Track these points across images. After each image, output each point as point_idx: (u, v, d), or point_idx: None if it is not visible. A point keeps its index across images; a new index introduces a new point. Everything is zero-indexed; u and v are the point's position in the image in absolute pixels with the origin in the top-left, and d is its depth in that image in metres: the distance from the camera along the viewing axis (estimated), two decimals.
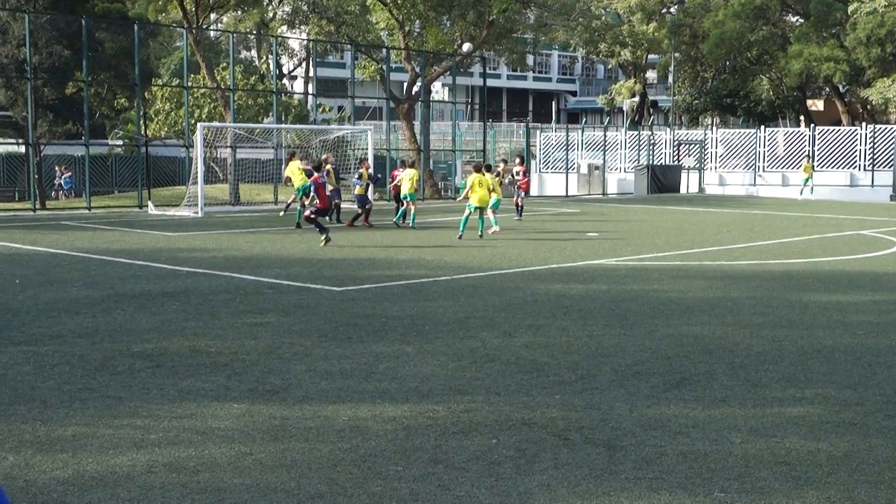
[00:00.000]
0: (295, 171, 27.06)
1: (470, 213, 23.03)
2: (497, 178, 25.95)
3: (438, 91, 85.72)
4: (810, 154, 48.19)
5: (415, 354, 10.06)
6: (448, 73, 50.22)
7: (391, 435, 7.25)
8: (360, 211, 27.10)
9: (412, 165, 27.88)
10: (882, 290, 15.44)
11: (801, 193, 45.56)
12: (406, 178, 26.64)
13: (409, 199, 26.50)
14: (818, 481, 6.36)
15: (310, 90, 64.12)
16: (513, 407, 8.07)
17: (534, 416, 7.78)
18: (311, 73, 68.22)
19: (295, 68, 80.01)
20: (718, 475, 6.46)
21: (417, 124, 50.04)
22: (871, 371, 9.55)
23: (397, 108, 49.05)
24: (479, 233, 23.20)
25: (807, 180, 45.59)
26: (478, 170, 23.77)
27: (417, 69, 47.26)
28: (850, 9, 51.22)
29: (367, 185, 27.75)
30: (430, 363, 9.68)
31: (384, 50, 49.08)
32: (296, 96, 60.41)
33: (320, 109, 55.55)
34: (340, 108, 70.53)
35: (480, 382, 8.89)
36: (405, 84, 53.88)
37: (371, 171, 28.41)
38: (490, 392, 8.55)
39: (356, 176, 27.85)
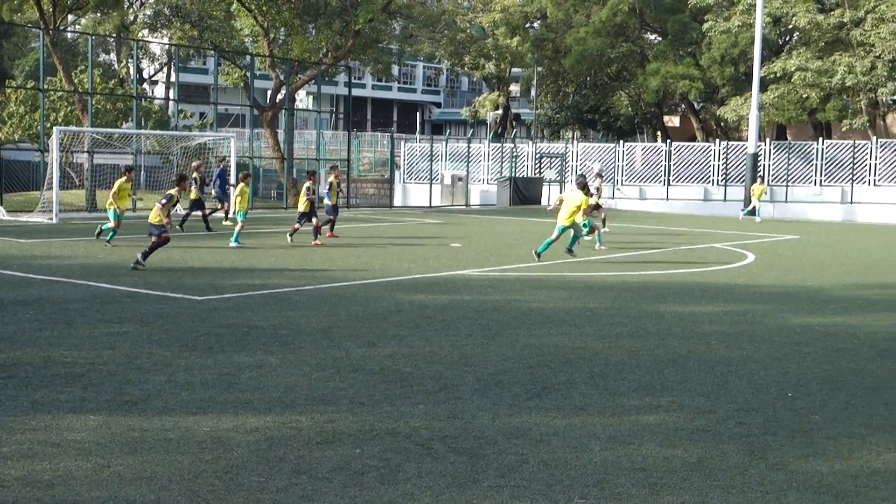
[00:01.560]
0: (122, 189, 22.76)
1: (559, 234, 21.05)
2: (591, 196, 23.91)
3: (303, 99, 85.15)
4: (667, 168, 49.54)
5: (278, 364, 9.98)
6: (313, 81, 49.99)
7: (254, 446, 7.18)
8: (331, 218, 25.86)
9: (244, 179, 24.00)
10: (734, 301, 15.97)
11: (758, 215, 40.12)
12: (234, 194, 24.08)
13: (238, 217, 23.26)
14: (673, 487, 6.55)
15: (171, 95, 62.99)
16: (377, 417, 8.08)
17: (398, 426, 7.80)
18: (173, 79, 67.06)
19: (156, 73, 78.46)
20: (578, 482, 6.59)
21: (281, 132, 49.63)
22: (723, 379, 9.87)
23: (261, 115, 48.58)
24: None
25: (757, 199, 40.43)
26: (581, 187, 21.35)
27: (282, 77, 46.88)
28: (706, 27, 52.85)
29: (338, 194, 26.60)
30: (294, 373, 9.61)
31: (248, 56, 48.56)
32: (156, 101, 59.27)
33: (182, 115, 54.62)
34: (202, 115, 69.36)
35: (344, 392, 8.88)
36: (269, 91, 53.38)
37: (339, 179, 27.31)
38: (354, 402, 8.54)
39: (326, 187, 26.27)
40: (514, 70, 78.56)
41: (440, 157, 53.81)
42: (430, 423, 7.94)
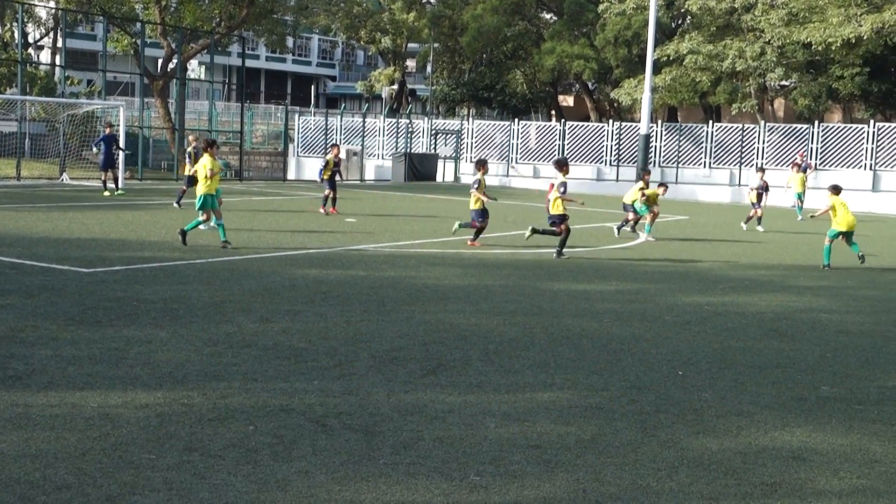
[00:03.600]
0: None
1: (832, 240, 19.16)
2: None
3: (195, 69, 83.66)
4: (561, 147, 49.94)
5: (168, 339, 9.78)
6: (205, 51, 49.09)
7: (143, 422, 7.01)
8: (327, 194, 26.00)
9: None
10: (626, 279, 16.18)
11: (800, 214, 32.92)
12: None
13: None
14: (568, 464, 6.59)
15: (58, 61, 61.22)
16: (270, 393, 7.96)
17: (292, 403, 7.70)
18: (60, 44, 65.15)
19: (42, 38, 76.16)
20: (474, 459, 6.58)
21: (172, 102, 48.66)
22: (616, 357, 9.99)
23: (152, 84, 47.55)
24: (859, 256, 19.44)
25: (800, 195, 34.00)
26: (836, 192, 19.43)
27: (174, 45, 45.92)
28: (601, 8, 53.36)
29: (334, 172, 26.46)
30: (185, 348, 9.42)
31: (139, 24, 47.41)
32: (42, 67, 57.57)
33: (69, 82, 53.18)
34: (90, 82, 67.67)
35: (237, 368, 8.73)
36: (160, 60, 52.31)
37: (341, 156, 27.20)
38: (247, 378, 8.40)
39: (323, 164, 26.51)
40: (411, 45, 78.35)
41: (335, 131, 53.43)
42: (324, 399, 7.85)
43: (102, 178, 30.42)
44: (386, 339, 10.27)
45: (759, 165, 30.55)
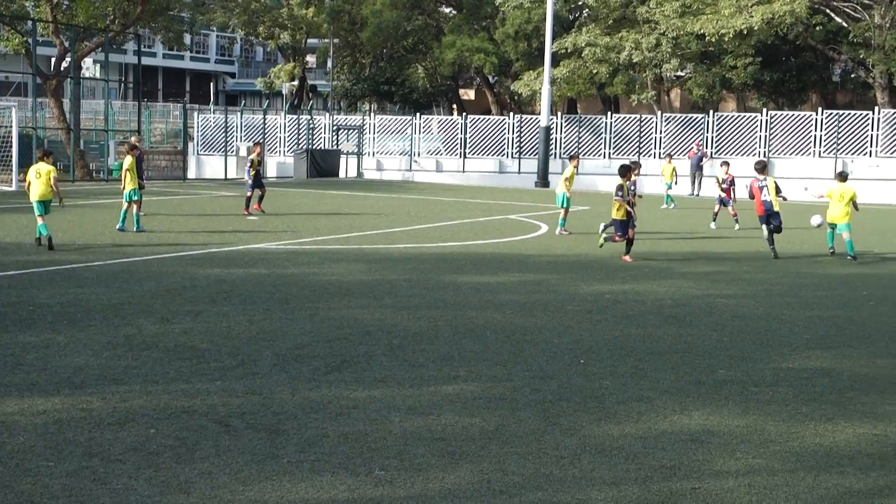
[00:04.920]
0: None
1: (831, 227, 19.40)
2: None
3: (90, 67, 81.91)
4: (463, 140, 50.07)
5: (66, 344, 9.60)
6: (100, 49, 48.14)
7: (41, 429, 6.88)
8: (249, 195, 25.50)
9: (131, 150, 21.75)
10: (529, 271, 16.33)
11: (669, 203, 33.98)
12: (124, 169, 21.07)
13: (131, 197, 20.64)
14: (472, 455, 6.64)
15: None
16: (171, 395, 7.87)
17: (194, 404, 7.63)
18: None
19: None
20: (379, 454, 6.60)
21: (67, 102, 47.61)
22: (519, 348, 10.08)
23: (45, 84, 46.46)
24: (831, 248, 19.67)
25: (670, 184, 34.70)
26: (843, 179, 19.39)
27: (67, 44, 44.93)
28: (499, 2, 53.66)
29: (258, 170, 25.75)
30: (83, 352, 9.26)
31: (30, 22, 46.28)
32: None
33: None
34: None
35: (137, 371, 8.61)
36: (53, 59, 51.12)
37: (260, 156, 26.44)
38: (147, 380, 8.30)
39: (248, 164, 25.68)
40: (310, 41, 77.76)
41: (235, 128, 52.86)
42: (227, 399, 7.79)
43: None
44: (289, 337, 10.23)
45: (723, 160, 29.61)
